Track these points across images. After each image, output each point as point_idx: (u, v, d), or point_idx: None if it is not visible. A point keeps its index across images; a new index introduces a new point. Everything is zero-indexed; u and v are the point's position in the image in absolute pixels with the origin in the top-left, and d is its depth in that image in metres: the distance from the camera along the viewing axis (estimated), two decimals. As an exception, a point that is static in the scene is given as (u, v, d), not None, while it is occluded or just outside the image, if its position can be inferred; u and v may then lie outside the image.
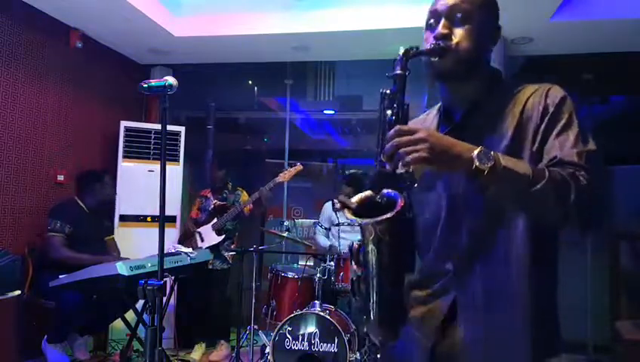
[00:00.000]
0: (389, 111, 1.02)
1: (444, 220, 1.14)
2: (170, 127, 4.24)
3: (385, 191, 1.02)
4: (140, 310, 3.18)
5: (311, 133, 6.24)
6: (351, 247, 1.14)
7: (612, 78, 4.60)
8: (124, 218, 4.26)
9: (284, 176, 3.85)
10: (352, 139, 6.25)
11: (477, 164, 0.93)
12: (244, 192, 4.22)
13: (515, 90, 1.14)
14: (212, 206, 4.15)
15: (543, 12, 3.39)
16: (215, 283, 4.08)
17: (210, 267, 4.01)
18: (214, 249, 3.99)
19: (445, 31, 1.10)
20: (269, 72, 5.10)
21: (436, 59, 1.09)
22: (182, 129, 4.51)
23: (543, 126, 1.06)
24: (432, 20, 1.14)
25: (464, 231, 1.11)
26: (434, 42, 1.10)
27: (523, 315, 1.14)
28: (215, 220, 4.06)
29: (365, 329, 1.14)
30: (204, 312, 4.10)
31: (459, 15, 1.11)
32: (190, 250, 3.48)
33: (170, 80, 1.79)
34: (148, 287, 1.73)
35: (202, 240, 4.05)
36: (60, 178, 3.87)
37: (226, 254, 4.07)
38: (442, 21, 1.11)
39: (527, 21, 3.55)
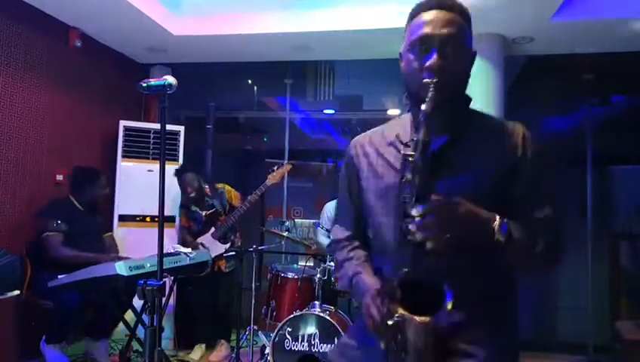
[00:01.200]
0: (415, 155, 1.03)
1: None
2: (169, 127, 4.24)
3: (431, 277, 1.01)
4: (139, 310, 3.17)
5: (311, 132, 6.23)
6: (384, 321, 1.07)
7: (612, 78, 4.59)
8: (123, 218, 4.25)
9: (274, 178, 3.80)
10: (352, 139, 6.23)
11: (497, 237, 1.03)
12: (227, 187, 4.15)
13: (491, 125, 1.21)
14: (204, 218, 4.08)
15: (543, 12, 3.39)
16: (218, 284, 4.07)
17: (227, 269, 4.01)
18: (222, 256, 3.98)
19: (441, 63, 1.09)
20: (269, 72, 5.09)
21: (431, 91, 1.06)
22: (181, 128, 4.50)
23: (521, 177, 1.13)
24: (419, 45, 1.12)
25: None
26: (427, 73, 1.09)
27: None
28: (213, 229, 4.03)
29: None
30: (205, 313, 4.09)
31: (451, 44, 1.11)
32: (189, 250, 3.47)
33: (170, 79, 1.78)
34: (147, 287, 1.72)
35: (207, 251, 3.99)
36: (59, 178, 3.86)
37: (226, 255, 4.06)
38: (436, 54, 1.10)
39: (528, 21, 3.54)
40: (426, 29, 1.11)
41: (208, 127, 5.32)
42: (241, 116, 5.76)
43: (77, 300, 3.14)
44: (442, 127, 1.13)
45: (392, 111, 5.15)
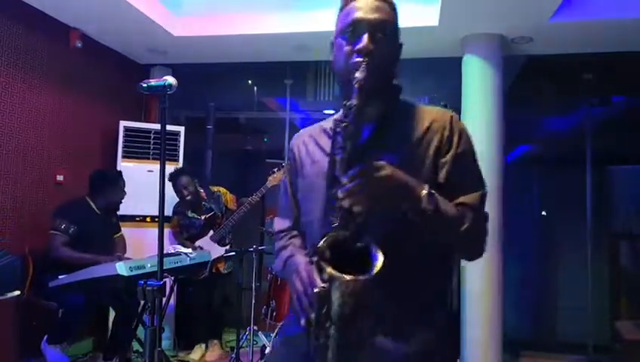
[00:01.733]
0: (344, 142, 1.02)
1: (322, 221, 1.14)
2: (169, 127, 4.24)
3: (360, 238, 0.99)
4: (139, 310, 3.17)
5: (311, 133, 6.23)
6: (311, 294, 1.02)
7: (612, 78, 4.60)
8: (123, 218, 4.24)
9: (275, 179, 3.80)
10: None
11: (425, 206, 1.02)
12: (223, 190, 4.17)
13: (418, 110, 1.21)
14: (202, 222, 4.08)
15: (542, 12, 3.39)
16: (216, 285, 4.07)
17: (226, 271, 4.01)
18: (221, 258, 3.98)
19: (371, 47, 1.10)
20: (269, 72, 5.09)
21: (359, 74, 1.06)
22: (181, 129, 4.51)
23: (447, 159, 1.14)
24: (351, 30, 1.13)
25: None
26: (357, 56, 1.09)
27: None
28: (211, 232, 4.03)
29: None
30: (203, 313, 4.09)
31: (381, 30, 1.13)
32: (189, 250, 3.48)
33: (170, 80, 1.78)
34: (147, 288, 1.73)
35: None
36: (60, 178, 3.86)
37: (226, 255, 4.06)
38: (367, 35, 1.11)
39: (527, 21, 3.54)
40: (357, 14, 1.13)
41: (208, 127, 5.32)
42: (241, 116, 5.76)
43: (79, 300, 3.15)
44: (371, 115, 1.15)
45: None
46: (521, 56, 4.22)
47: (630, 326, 3.64)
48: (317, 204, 1.19)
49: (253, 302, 3.58)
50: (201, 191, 4.12)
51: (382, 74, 1.14)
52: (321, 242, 0.99)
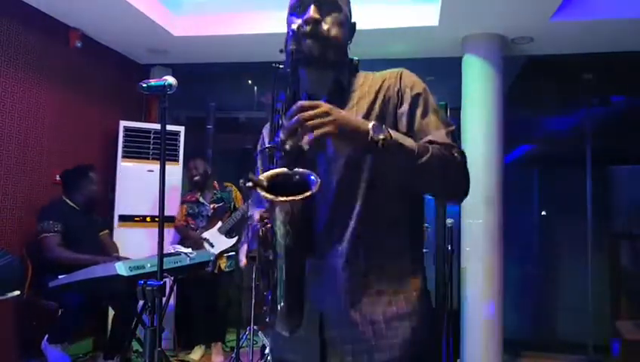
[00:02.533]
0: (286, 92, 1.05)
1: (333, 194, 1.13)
2: (169, 127, 4.25)
3: (297, 169, 0.98)
4: (139, 310, 3.17)
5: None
6: (256, 228, 1.07)
7: (612, 78, 4.59)
8: (123, 218, 4.25)
9: None
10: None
11: (372, 135, 0.97)
12: (234, 188, 4.19)
13: (372, 76, 1.21)
14: (211, 211, 4.10)
15: (543, 12, 3.39)
16: (216, 285, 4.07)
17: (227, 269, 4.01)
18: (228, 251, 3.98)
19: (317, 16, 1.12)
20: (269, 72, 5.08)
21: (308, 42, 1.10)
22: (181, 129, 4.51)
23: (403, 108, 1.14)
24: (298, 6, 1.16)
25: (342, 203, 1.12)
26: (305, 26, 1.12)
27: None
28: (220, 224, 4.03)
29: (267, 320, 1.05)
30: (204, 313, 4.09)
31: (327, 3, 1.16)
32: (190, 250, 3.47)
33: (170, 79, 1.78)
34: (147, 288, 1.73)
35: (212, 246, 4.00)
36: (59, 178, 3.86)
37: (227, 254, 4.06)
38: (312, 6, 1.13)
39: (527, 21, 3.54)
40: None
41: (208, 127, 5.32)
42: (241, 116, 5.76)
43: (79, 300, 3.15)
44: (327, 81, 1.17)
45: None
46: (521, 56, 4.22)
47: (630, 326, 3.64)
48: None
49: (253, 302, 3.58)
50: (215, 182, 4.17)
51: (331, 44, 1.14)
52: (261, 175, 0.98)
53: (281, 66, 1.07)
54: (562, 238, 4.86)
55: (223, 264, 4.05)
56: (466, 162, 1.11)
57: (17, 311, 3.38)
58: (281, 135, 0.95)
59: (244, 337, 3.70)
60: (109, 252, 3.68)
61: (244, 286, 3.59)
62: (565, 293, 4.78)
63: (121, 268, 2.79)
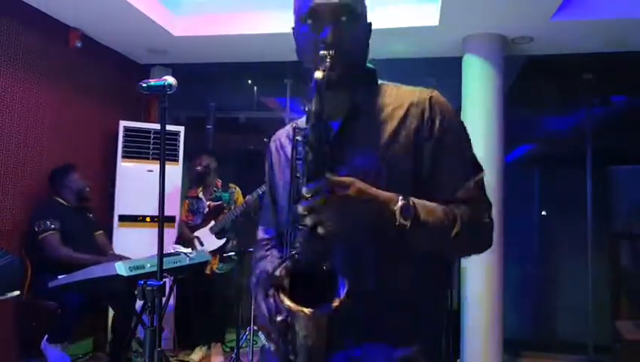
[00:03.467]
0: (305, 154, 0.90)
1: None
2: (169, 127, 4.24)
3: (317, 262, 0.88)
4: (139, 310, 3.17)
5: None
6: (275, 324, 0.93)
7: (612, 78, 4.59)
8: (123, 218, 4.24)
9: None
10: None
11: (400, 220, 0.90)
12: (238, 189, 4.19)
13: (395, 91, 1.08)
14: (207, 208, 4.10)
15: (543, 11, 3.38)
16: (216, 285, 4.07)
17: (218, 271, 4.00)
18: (217, 252, 3.98)
19: (336, 38, 0.99)
20: (269, 72, 5.09)
21: (321, 74, 0.94)
22: (181, 129, 4.50)
23: (430, 144, 1.01)
24: (312, 17, 1.03)
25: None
26: (325, 51, 0.97)
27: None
28: (212, 223, 4.03)
29: None
30: (205, 313, 4.09)
31: (346, 12, 1.02)
32: (189, 250, 3.47)
33: (170, 79, 1.78)
34: (147, 288, 1.73)
35: (202, 245, 4.01)
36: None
37: (226, 255, 4.05)
38: (330, 26, 1.00)
39: (528, 20, 3.54)
40: (319, 1, 1.02)
41: (208, 127, 5.32)
42: (241, 116, 5.76)
43: (79, 300, 3.15)
44: (340, 108, 1.05)
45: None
46: (522, 56, 4.21)
47: (630, 326, 3.63)
48: (284, 216, 1.07)
49: (253, 302, 3.58)
50: (218, 181, 4.18)
51: (350, 61, 1.02)
52: (279, 269, 0.88)
53: (303, 126, 0.95)
54: (562, 238, 4.86)
55: (215, 264, 4.04)
56: (492, 219, 1.03)
57: (17, 311, 3.38)
58: (300, 209, 0.85)
59: (244, 337, 3.70)
60: (105, 252, 3.67)
61: (244, 286, 3.59)
62: (565, 293, 4.77)
63: (121, 268, 2.79)
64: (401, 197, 0.91)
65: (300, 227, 0.87)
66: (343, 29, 1.01)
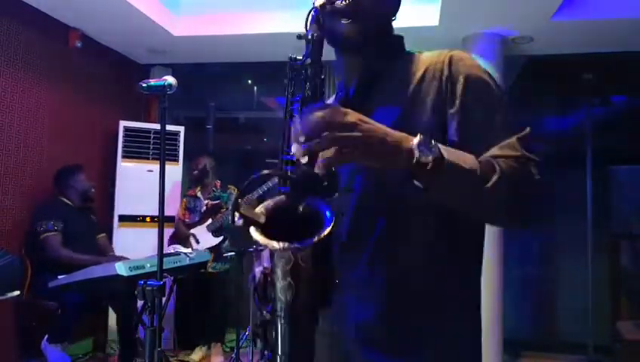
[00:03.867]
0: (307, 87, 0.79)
1: (351, 224, 0.88)
2: (169, 127, 4.24)
3: (306, 197, 0.75)
4: (139, 310, 3.17)
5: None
6: (254, 278, 0.84)
7: (612, 78, 4.59)
8: (123, 218, 4.24)
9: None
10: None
11: (418, 156, 0.71)
12: (236, 191, 4.19)
13: (416, 58, 0.96)
14: (204, 207, 4.11)
15: (543, 11, 3.38)
16: (215, 285, 4.06)
17: (211, 270, 3.99)
18: (213, 251, 3.98)
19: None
20: (269, 72, 5.09)
21: (347, 21, 0.86)
22: (181, 129, 4.50)
23: (456, 106, 0.85)
24: None
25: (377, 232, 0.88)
26: (338, 1, 0.86)
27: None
28: (210, 221, 4.03)
29: None
30: (205, 313, 4.09)
31: None
32: (189, 250, 3.47)
33: (170, 79, 1.79)
34: (147, 288, 1.73)
35: (197, 243, 4.01)
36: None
37: (225, 255, 4.05)
38: None
39: (528, 20, 3.54)
40: None
41: (208, 127, 5.32)
42: (241, 116, 5.76)
43: (79, 300, 3.15)
44: (359, 67, 0.95)
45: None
46: (522, 56, 4.21)
47: (630, 327, 3.63)
48: None
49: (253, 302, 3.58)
50: (218, 181, 4.19)
51: (375, 21, 0.93)
52: (259, 207, 0.77)
53: (298, 58, 0.82)
54: (562, 238, 4.85)
55: (209, 264, 4.03)
56: (541, 180, 0.82)
57: (17, 311, 3.38)
58: (293, 149, 0.72)
59: (244, 337, 3.70)
60: (106, 254, 3.67)
61: (244, 287, 3.59)
62: (565, 293, 4.77)
63: (120, 268, 2.79)
64: (420, 135, 0.74)
65: (291, 161, 0.75)
66: None
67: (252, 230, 0.74)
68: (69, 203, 3.58)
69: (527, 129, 0.86)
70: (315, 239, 0.70)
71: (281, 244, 0.70)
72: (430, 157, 0.71)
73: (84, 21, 3.89)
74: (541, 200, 0.82)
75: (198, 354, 4.02)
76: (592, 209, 4.41)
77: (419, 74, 0.91)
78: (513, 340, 4.13)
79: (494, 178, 0.76)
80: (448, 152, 0.74)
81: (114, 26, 3.94)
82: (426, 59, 0.94)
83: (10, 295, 2.97)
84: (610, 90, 4.80)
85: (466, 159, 0.77)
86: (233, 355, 3.53)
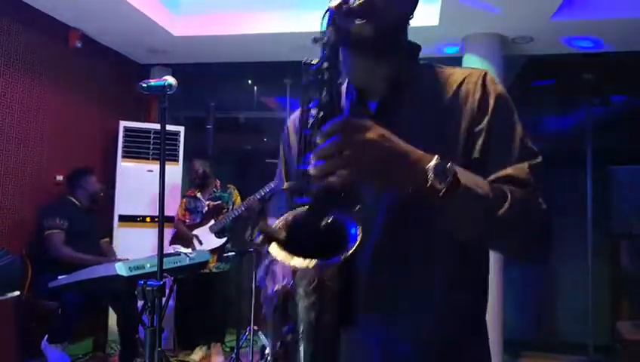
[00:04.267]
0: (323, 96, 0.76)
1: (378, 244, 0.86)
2: (169, 127, 4.24)
3: (329, 210, 0.72)
4: (139, 310, 3.17)
5: (311, 132, 6.22)
6: (272, 296, 0.75)
7: (612, 78, 4.59)
8: (123, 218, 4.25)
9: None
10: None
11: (432, 181, 0.71)
12: (236, 191, 4.19)
13: (442, 73, 0.93)
14: (206, 208, 4.10)
15: (543, 11, 3.38)
16: (216, 285, 4.06)
17: (215, 270, 4.00)
18: (216, 251, 3.98)
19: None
20: (269, 72, 5.09)
21: (361, 21, 0.81)
22: (181, 129, 4.50)
23: (483, 124, 0.86)
24: None
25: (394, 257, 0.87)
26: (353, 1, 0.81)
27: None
28: (212, 222, 4.03)
29: None
30: (205, 313, 4.09)
31: None
32: (189, 250, 3.47)
33: (170, 80, 1.79)
34: (147, 288, 1.73)
35: (201, 244, 4.01)
36: (59, 178, 3.85)
37: (226, 255, 4.05)
38: None
39: (528, 20, 3.54)
40: None
41: (208, 127, 5.32)
42: (241, 116, 5.76)
43: (79, 300, 3.15)
44: (382, 79, 0.90)
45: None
46: (522, 55, 4.21)
47: (630, 327, 3.64)
48: None
49: (253, 301, 3.58)
50: (217, 181, 4.18)
51: (389, 23, 0.86)
52: (277, 221, 0.73)
53: (314, 61, 0.78)
54: (562, 238, 4.85)
55: (213, 264, 4.03)
56: (547, 209, 0.83)
57: (17, 311, 3.38)
58: (311, 159, 0.70)
59: (244, 337, 3.70)
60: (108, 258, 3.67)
61: (244, 287, 3.59)
62: (565, 293, 4.77)
63: (121, 268, 2.79)
64: (438, 156, 0.72)
65: (310, 175, 0.71)
66: None
67: (273, 247, 0.70)
68: (77, 203, 3.61)
69: (540, 157, 0.87)
70: (342, 257, 0.67)
71: (306, 262, 0.67)
72: (443, 185, 0.71)
73: (84, 21, 3.89)
74: (550, 226, 0.84)
75: (198, 354, 4.02)
76: (592, 209, 4.41)
77: (451, 90, 0.90)
78: (513, 340, 4.13)
79: (505, 206, 0.76)
80: (464, 176, 0.74)
81: (114, 26, 3.94)
82: (457, 75, 0.92)
83: (10, 295, 2.97)
84: (610, 90, 4.80)
85: (479, 183, 0.77)
86: (233, 355, 3.53)
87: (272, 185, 3.70)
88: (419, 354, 0.87)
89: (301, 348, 0.71)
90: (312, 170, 0.70)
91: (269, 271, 0.81)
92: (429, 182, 0.70)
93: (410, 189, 0.73)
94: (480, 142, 0.86)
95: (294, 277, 0.70)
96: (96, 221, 3.77)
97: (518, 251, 0.87)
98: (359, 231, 0.69)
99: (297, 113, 1.01)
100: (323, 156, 0.68)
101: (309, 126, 0.78)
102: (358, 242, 0.68)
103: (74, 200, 3.61)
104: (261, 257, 0.93)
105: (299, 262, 0.67)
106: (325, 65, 0.77)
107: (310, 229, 0.72)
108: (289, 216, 0.74)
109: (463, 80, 0.90)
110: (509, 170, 0.83)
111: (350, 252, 0.67)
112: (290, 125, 1.06)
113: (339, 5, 0.81)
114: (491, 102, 0.87)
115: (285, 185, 0.92)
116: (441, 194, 0.71)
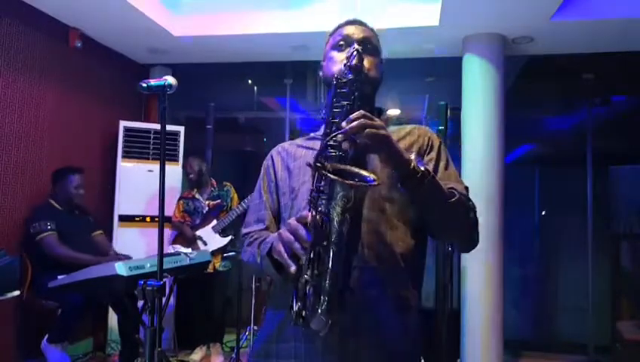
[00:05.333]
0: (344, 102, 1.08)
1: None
2: (169, 127, 4.23)
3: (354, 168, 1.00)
4: (139, 310, 3.17)
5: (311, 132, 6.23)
6: (308, 211, 0.98)
7: (612, 78, 4.59)
8: (123, 218, 4.25)
9: None
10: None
11: (414, 164, 1.02)
12: (233, 188, 4.19)
13: (400, 128, 1.28)
14: (206, 208, 4.09)
15: (543, 11, 3.38)
16: (215, 285, 4.06)
17: (221, 269, 3.99)
18: (221, 251, 3.97)
19: (363, 56, 1.15)
20: (269, 72, 5.09)
21: (357, 82, 1.11)
22: (181, 129, 4.50)
23: (432, 155, 1.22)
24: (342, 43, 1.25)
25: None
26: (354, 57, 1.13)
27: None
28: (215, 222, 4.03)
29: (304, 315, 0.94)
30: (205, 313, 4.09)
31: (369, 46, 1.24)
32: (190, 250, 3.47)
33: (170, 79, 1.78)
34: (147, 288, 1.73)
35: (205, 244, 3.99)
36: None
37: (226, 255, 4.05)
38: (356, 44, 1.18)
39: (528, 20, 3.54)
40: (348, 31, 1.27)
41: (208, 127, 5.32)
42: (241, 116, 5.76)
43: (78, 300, 3.15)
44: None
45: (392, 112, 5.15)
46: (522, 56, 4.21)
47: (631, 327, 3.64)
48: (303, 188, 1.20)
49: (254, 301, 3.58)
50: (212, 180, 4.18)
51: (373, 84, 1.23)
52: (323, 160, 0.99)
53: (344, 79, 1.10)
54: (562, 238, 4.86)
55: (217, 263, 4.03)
56: (477, 220, 1.17)
57: (17, 311, 3.39)
58: (340, 136, 0.99)
59: (244, 337, 3.70)
60: (105, 252, 3.64)
61: (244, 286, 3.59)
62: (565, 293, 4.77)
63: (120, 268, 2.79)
64: (414, 153, 1.13)
65: (334, 143, 0.99)
66: (366, 52, 1.20)
67: (324, 170, 0.94)
68: (56, 206, 3.54)
69: (468, 187, 1.22)
70: (374, 183, 0.93)
71: (352, 182, 0.92)
72: (422, 168, 1.03)
73: (84, 21, 3.89)
74: (477, 231, 1.18)
75: (198, 354, 4.02)
76: (592, 209, 4.41)
77: (408, 135, 1.25)
78: (513, 340, 4.13)
79: (455, 198, 1.09)
80: (431, 171, 1.06)
81: (114, 26, 3.94)
82: (408, 128, 1.27)
83: (10, 295, 2.97)
84: (610, 90, 4.80)
85: (440, 181, 1.10)
86: (233, 355, 3.54)
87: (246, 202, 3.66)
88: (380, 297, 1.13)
89: (331, 253, 0.93)
90: (343, 126, 0.97)
91: (265, 246, 1.12)
92: (412, 164, 1.02)
93: (398, 167, 1.03)
94: (431, 166, 1.17)
95: (334, 198, 0.93)
96: (81, 220, 3.68)
97: (456, 235, 1.20)
98: (374, 177, 0.94)
99: (284, 145, 1.38)
100: (350, 131, 0.97)
101: (334, 123, 1.06)
102: (375, 183, 0.93)
103: (53, 202, 3.54)
104: (243, 248, 1.28)
105: (349, 181, 0.91)
106: (351, 78, 1.10)
107: (343, 175, 0.94)
108: (334, 164, 0.98)
109: (414, 129, 1.26)
110: (451, 184, 1.15)
111: (373, 184, 0.93)
112: (276, 158, 1.35)
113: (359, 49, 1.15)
114: (435, 143, 1.24)
115: (267, 223, 1.28)
116: (419, 175, 1.02)
